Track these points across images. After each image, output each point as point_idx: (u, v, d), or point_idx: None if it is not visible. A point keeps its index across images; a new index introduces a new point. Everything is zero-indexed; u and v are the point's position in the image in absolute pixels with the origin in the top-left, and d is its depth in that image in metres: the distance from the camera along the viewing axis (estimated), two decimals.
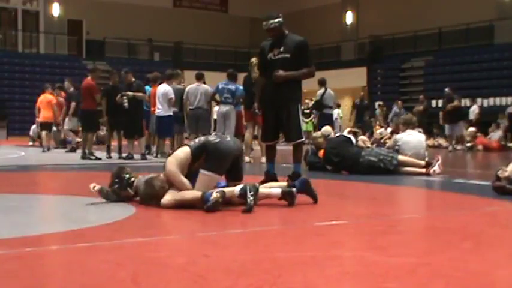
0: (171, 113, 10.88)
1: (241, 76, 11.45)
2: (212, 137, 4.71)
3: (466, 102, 20.35)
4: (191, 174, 4.56)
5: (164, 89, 10.84)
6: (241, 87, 10.66)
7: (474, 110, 19.20)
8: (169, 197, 4.44)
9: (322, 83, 13.04)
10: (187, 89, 11.05)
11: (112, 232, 3.68)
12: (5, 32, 27.76)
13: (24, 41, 28.01)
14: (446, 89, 15.95)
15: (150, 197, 4.59)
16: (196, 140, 4.76)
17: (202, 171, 4.49)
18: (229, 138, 4.79)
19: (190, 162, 4.55)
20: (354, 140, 8.31)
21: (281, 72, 5.82)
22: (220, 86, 10.87)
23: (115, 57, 27.82)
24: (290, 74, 5.86)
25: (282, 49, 5.90)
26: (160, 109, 10.81)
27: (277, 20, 5.87)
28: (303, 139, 6.18)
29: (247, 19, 32.14)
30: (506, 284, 2.62)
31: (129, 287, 2.46)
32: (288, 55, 5.87)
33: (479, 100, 20.12)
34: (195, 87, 10.94)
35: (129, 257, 2.97)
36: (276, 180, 5.99)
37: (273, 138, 6.15)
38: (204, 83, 11.28)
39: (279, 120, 5.98)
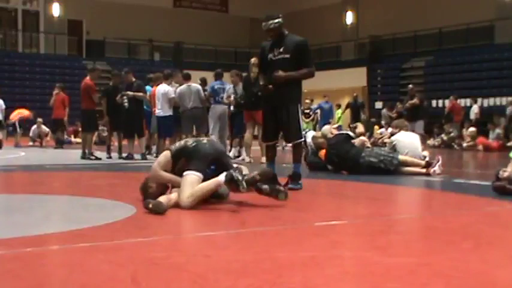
0: (171, 113, 10.87)
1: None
2: (190, 141, 4.97)
3: (466, 102, 20.36)
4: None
5: (164, 89, 10.82)
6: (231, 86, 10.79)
7: (474, 110, 19.14)
8: (186, 196, 4.52)
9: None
10: (178, 90, 10.96)
11: (112, 232, 3.68)
12: (5, 32, 27.76)
13: (24, 41, 28.02)
14: (410, 86, 15.77)
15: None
16: (177, 144, 5.06)
17: (186, 172, 4.64)
18: (205, 141, 4.96)
19: (172, 164, 4.84)
20: (352, 134, 8.20)
21: (281, 73, 5.82)
22: (215, 87, 10.90)
23: (115, 57, 27.83)
24: (290, 74, 5.85)
25: (281, 49, 5.89)
26: (160, 109, 10.79)
27: (276, 20, 5.86)
28: (303, 139, 6.17)
29: (247, 19, 32.13)
30: (506, 284, 2.61)
31: (129, 287, 2.46)
32: (287, 55, 5.86)
33: (479, 100, 20.09)
34: (186, 88, 10.88)
35: (129, 257, 2.97)
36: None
37: (272, 138, 6.15)
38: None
39: (278, 120, 5.98)
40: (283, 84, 5.84)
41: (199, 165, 4.68)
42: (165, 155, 4.95)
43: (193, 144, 4.85)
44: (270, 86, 5.87)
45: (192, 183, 4.56)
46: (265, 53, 6.02)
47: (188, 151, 4.79)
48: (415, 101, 14.52)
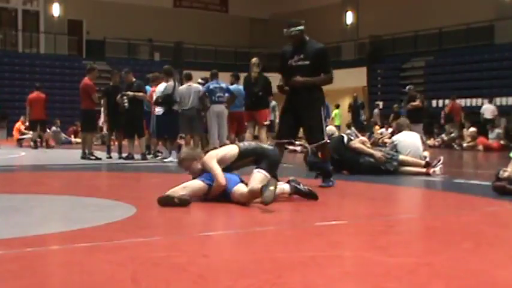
0: (171, 112, 10.83)
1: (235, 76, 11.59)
2: (260, 145, 5.51)
3: (466, 102, 20.33)
4: (229, 170, 5.05)
5: (163, 88, 10.79)
6: (231, 86, 10.77)
7: (488, 109, 18.65)
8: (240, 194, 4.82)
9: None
10: (179, 89, 10.95)
11: (112, 232, 3.67)
12: (5, 32, 27.75)
13: (24, 41, 28.00)
14: (409, 87, 15.54)
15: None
16: (246, 143, 5.50)
17: (258, 170, 4.96)
18: (272, 148, 5.44)
19: (234, 159, 5.07)
20: (345, 139, 8.15)
21: (299, 78, 5.94)
22: (211, 86, 10.89)
23: (115, 57, 27.80)
24: (308, 80, 5.99)
25: (302, 56, 6.04)
26: (160, 108, 10.74)
27: (298, 28, 6.03)
28: (325, 140, 6.19)
29: (247, 19, 32.13)
30: (506, 284, 2.61)
31: (129, 287, 2.46)
32: (307, 62, 6.01)
33: (479, 100, 20.03)
34: (186, 88, 10.84)
35: (129, 257, 2.97)
36: (276, 179, 6.00)
37: (286, 137, 6.23)
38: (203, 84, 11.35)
39: (299, 122, 6.12)
40: (303, 87, 6.00)
41: (271, 168, 5.07)
42: (232, 149, 5.16)
43: (265, 147, 5.35)
44: (296, 79, 5.97)
45: (262, 180, 4.80)
46: (286, 57, 6.16)
47: (258, 152, 5.13)
48: (418, 103, 14.35)
